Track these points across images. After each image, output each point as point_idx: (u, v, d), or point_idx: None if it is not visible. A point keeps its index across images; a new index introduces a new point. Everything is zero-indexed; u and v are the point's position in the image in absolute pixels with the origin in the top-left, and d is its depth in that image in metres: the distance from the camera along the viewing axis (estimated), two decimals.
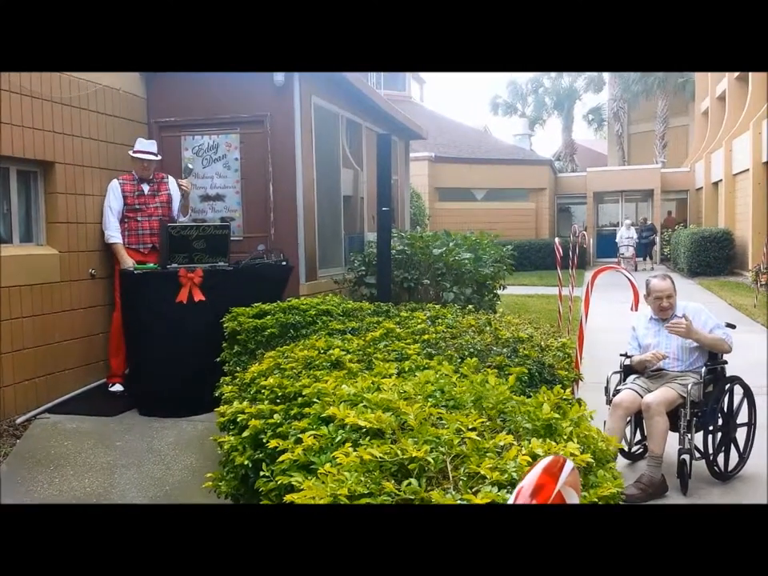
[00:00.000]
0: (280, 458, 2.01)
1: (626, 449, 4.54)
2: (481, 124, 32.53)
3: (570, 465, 1.24)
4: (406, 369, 2.81)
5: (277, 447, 2.10)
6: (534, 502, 1.17)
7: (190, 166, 6.15)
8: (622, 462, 4.50)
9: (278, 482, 1.98)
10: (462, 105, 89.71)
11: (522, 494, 1.13)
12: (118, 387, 5.71)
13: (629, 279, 4.55)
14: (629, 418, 4.38)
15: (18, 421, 5.01)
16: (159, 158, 6.02)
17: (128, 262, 5.63)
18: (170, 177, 6.07)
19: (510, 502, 1.17)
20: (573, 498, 1.32)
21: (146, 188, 5.86)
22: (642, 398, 4.24)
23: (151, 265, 5.52)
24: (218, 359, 4.26)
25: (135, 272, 5.29)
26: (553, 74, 35.63)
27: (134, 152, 5.83)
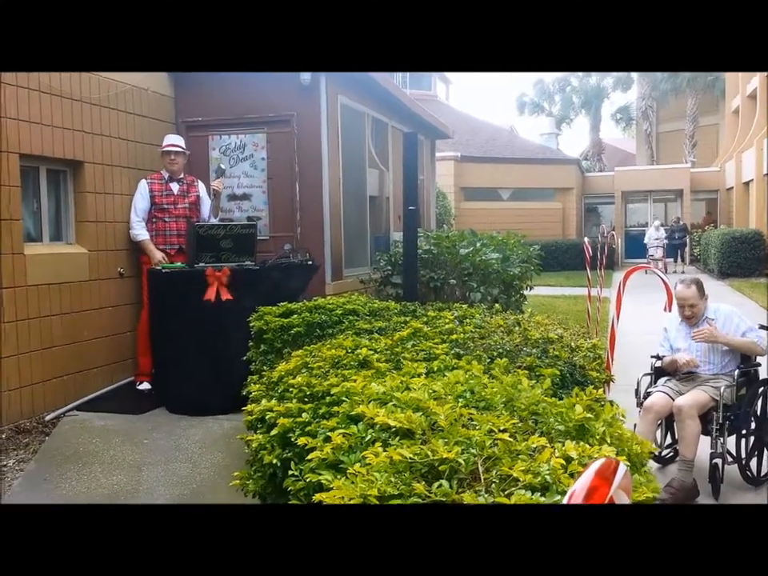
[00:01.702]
0: (309, 456, 1.99)
1: (657, 452, 4.47)
2: (507, 123, 32.37)
3: (623, 468, 1.20)
4: (435, 369, 2.78)
5: (306, 446, 2.08)
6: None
7: (223, 166, 6.14)
8: (652, 465, 4.43)
9: (307, 481, 1.96)
10: (488, 104, 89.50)
11: (574, 498, 1.10)
12: (145, 385, 5.74)
13: (662, 279, 4.47)
14: (659, 421, 4.32)
15: (47, 418, 5.05)
16: (188, 152, 6.05)
17: (157, 255, 5.67)
18: (200, 181, 6.09)
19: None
20: (624, 502, 1.29)
21: (175, 188, 5.89)
22: (674, 401, 4.18)
23: (179, 264, 5.54)
24: (245, 358, 4.26)
25: (163, 271, 5.32)
26: (580, 73, 35.35)
27: (162, 147, 5.88)
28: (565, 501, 1.10)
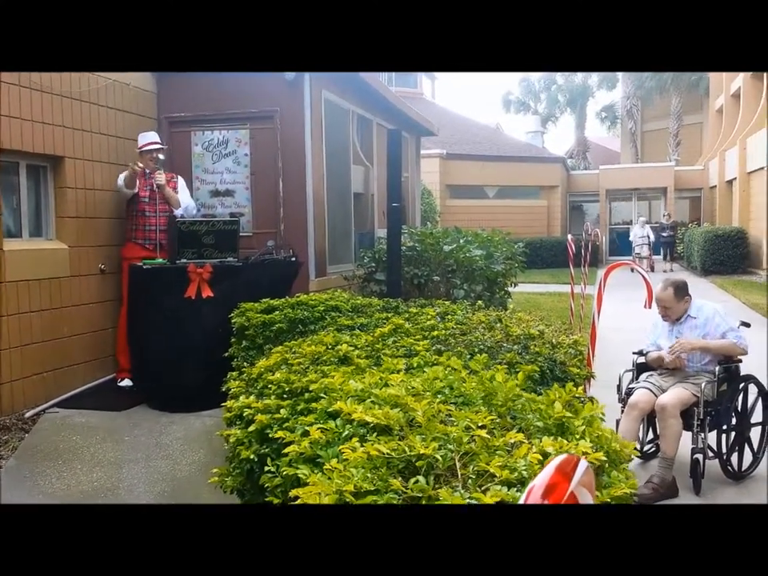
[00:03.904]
0: (286, 450, 1.98)
1: (639, 448, 4.49)
2: (493, 121, 32.42)
3: (584, 464, 1.18)
4: (415, 365, 2.77)
5: (283, 440, 2.07)
6: (545, 502, 1.11)
7: (161, 156, 5.87)
8: (634, 461, 4.44)
9: (284, 475, 1.94)
10: (474, 102, 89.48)
11: (533, 494, 1.08)
12: (126, 382, 5.70)
13: (642, 276, 4.49)
14: (642, 418, 4.33)
15: (27, 415, 5.00)
16: (165, 146, 6.00)
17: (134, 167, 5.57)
18: (179, 177, 6.05)
19: (521, 501, 1.11)
20: (587, 498, 1.27)
21: (155, 183, 5.84)
22: (657, 396, 4.20)
23: (160, 260, 5.50)
24: (227, 354, 4.24)
25: (144, 267, 5.27)
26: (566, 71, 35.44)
27: (141, 147, 5.81)
28: (523, 497, 1.08)
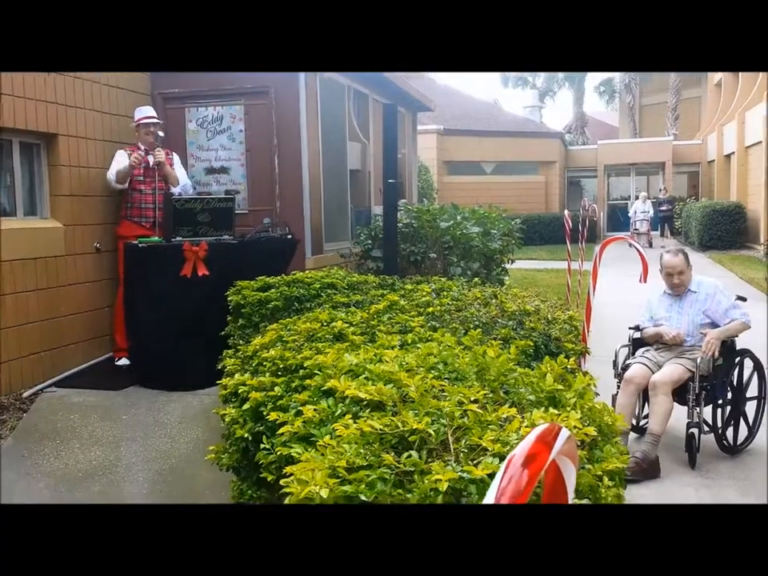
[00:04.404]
0: (280, 431, 1.98)
1: (635, 423, 4.51)
2: (491, 96, 32.21)
3: (565, 432, 1.18)
4: (409, 341, 2.77)
5: (277, 420, 2.07)
6: (525, 471, 1.10)
7: (161, 133, 5.85)
8: (630, 435, 4.46)
9: (278, 454, 1.95)
10: (471, 77, 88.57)
11: (513, 463, 1.07)
12: (124, 361, 5.70)
13: (638, 251, 4.48)
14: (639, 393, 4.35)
15: (25, 395, 5.02)
16: (161, 121, 5.95)
17: (125, 162, 5.51)
18: (174, 154, 6.01)
19: (501, 471, 1.10)
20: (569, 467, 1.27)
21: (150, 160, 5.80)
22: (653, 372, 4.21)
23: (156, 238, 5.48)
24: (223, 333, 4.24)
25: (140, 245, 5.25)
26: None
27: (137, 121, 5.75)
28: (503, 467, 1.08)
